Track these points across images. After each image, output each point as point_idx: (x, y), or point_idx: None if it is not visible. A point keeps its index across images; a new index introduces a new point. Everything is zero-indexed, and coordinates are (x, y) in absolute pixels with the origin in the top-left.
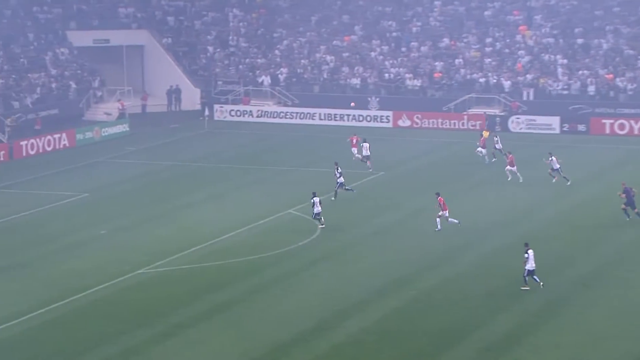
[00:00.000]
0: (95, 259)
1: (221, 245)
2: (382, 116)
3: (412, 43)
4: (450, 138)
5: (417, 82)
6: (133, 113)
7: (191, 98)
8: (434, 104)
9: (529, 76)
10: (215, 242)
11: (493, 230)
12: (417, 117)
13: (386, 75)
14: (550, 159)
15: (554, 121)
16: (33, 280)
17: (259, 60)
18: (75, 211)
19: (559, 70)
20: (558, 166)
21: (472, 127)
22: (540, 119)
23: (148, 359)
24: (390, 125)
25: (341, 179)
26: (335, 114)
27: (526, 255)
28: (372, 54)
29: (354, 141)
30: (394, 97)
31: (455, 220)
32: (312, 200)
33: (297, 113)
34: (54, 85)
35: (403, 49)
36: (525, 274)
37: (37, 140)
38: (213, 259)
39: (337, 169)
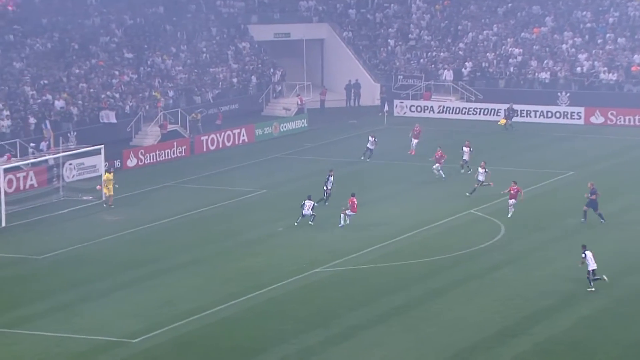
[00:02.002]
0: (273, 257)
1: (399, 246)
2: (573, 112)
3: (608, 34)
4: None
5: (613, 76)
6: (312, 108)
7: (371, 93)
8: (631, 99)
9: None
10: (393, 242)
11: None
12: (612, 114)
13: (578, 69)
14: None
15: None
16: (212, 276)
17: (441, 54)
18: (253, 207)
19: None
20: None
21: None
22: None
23: None
24: (581, 122)
25: (329, 187)
26: (521, 110)
27: (583, 255)
28: (564, 46)
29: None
30: (587, 92)
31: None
32: (303, 203)
33: (480, 109)
34: (235, 79)
35: (599, 41)
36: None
37: (217, 135)
38: (390, 259)
39: (329, 177)
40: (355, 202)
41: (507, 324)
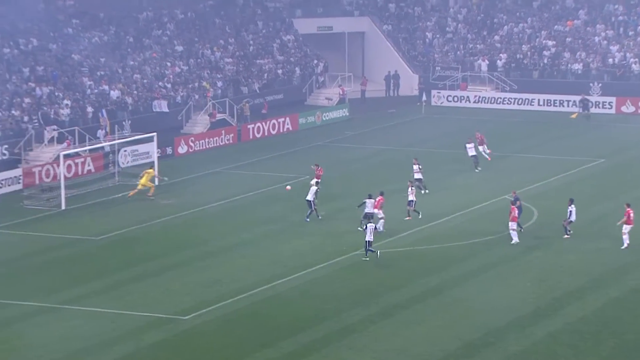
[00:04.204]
0: (315, 239)
1: (435, 230)
2: (605, 102)
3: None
4: None
5: None
6: (353, 98)
7: (409, 84)
8: None
9: None
10: (430, 226)
11: None
12: None
13: (610, 60)
14: None
15: None
16: (258, 257)
17: (477, 46)
18: (297, 193)
19: None
20: None
21: None
22: None
23: (366, 337)
24: (613, 111)
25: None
26: (555, 100)
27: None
28: (596, 38)
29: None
30: (618, 82)
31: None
32: (364, 201)
33: (515, 99)
34: (280, 71)
35: (630, 33)
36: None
37: (263, 124)
38: (427, 242)
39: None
40: (382, 202)
41: (539, 304)
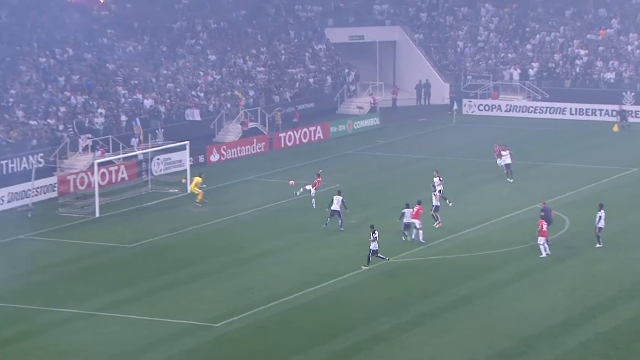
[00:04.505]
0: (345, 248)
1: (465, 238)
2: (638, 111)
3: None
4: None
5: None
6: (384, 107)
7: (440, 92)
8: None
9: None
10: (461, 235)
11: None
12: None
13: None
14: None
15: None
16: (290, 265)
17: (509, 55)
18: (328, 201)
19: None
20: None
21: None
22: None
23: (396, 345)
24: None
25: (374, 245)
26: (587, 109)
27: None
28: (629, 47)
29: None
30: None
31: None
32: (403, 212)
33: (546, 108)
34: (311, 80)
35: None
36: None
37: (294, 132)
38: (458, 251)
39: (373, 233)
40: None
41: (571, 314)
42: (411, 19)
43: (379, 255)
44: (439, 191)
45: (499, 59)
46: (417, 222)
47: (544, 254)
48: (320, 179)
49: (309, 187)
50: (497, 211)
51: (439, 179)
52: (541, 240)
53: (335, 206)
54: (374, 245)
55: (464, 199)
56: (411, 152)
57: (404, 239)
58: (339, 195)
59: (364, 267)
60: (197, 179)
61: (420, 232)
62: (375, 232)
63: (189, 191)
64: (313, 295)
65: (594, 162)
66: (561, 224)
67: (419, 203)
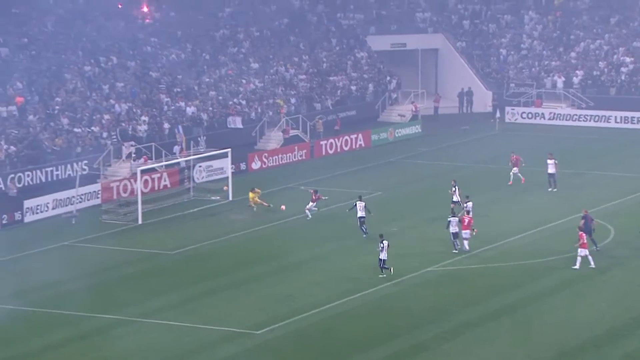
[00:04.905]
0: (387, 255)
1: (508, 247)
2: None
3: None
4: None
5: None
6: (425, 115)
7: (483, 100)
8: None
9: None
10: (503, 244)
11: None
12: None
13: None
14: None
15: None
16: (330, 272)
17: (553, 62)
18: (370, 209)
19: None
20: None
21: None
22: None
23: (438, 354)
24: None
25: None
26: (632, 117)
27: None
28: None
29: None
30: None
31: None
32: (449, 220)
33: (591, 116)
34: (353, 87)
35: None
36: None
37: (336, 140)
38: (500, 260)
39: (381, 242)
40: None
41: (615, 324)
42: (454, 27)
43: (384, 266)
44: (455, 202)
45: (542, 67)
46: (467, 232)
47: (577, 266)
48: (319, 194)
49: (310, 204)
50: (540, 220)
51: (456, 188)
52: (582, 252)
53: (360, 213)
54: (383, 255)
55: (506, 208)
56: (453, 160)
57: (456, 250)
58: (360, 201)
59: (380, 276)
60: (253, 195)
61: (465, 241)
62: (384, 241)
63: (252, 205)
64: (354, 303)
65: (639, 170)
66: (606, 233)
67: (467, 213)
